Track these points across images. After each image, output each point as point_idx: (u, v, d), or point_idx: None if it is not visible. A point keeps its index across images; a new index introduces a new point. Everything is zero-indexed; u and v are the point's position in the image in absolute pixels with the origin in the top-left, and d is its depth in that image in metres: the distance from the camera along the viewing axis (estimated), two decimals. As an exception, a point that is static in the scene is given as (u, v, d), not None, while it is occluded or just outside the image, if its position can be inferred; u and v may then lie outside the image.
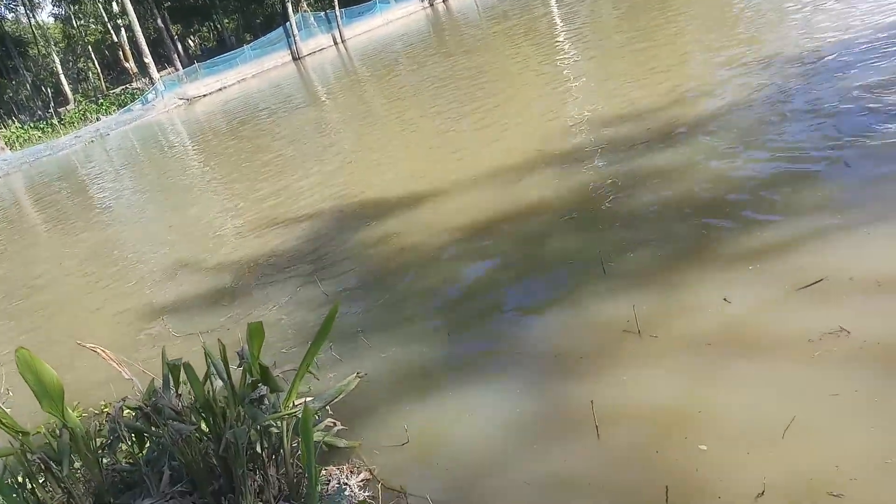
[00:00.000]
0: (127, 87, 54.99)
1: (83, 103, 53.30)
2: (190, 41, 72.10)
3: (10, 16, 63.63)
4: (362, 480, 3.33)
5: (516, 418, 3.45)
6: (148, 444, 3.41)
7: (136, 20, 48.23)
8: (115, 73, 65.12)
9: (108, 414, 4.57)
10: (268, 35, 49.15)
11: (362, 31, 47.65)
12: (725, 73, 7.66)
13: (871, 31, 7.12)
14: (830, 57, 6.88)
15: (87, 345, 3.72)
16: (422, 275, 5.63)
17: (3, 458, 3.21)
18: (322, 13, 50.22)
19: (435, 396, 3.90)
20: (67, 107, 55.38)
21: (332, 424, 3.62)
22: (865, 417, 2.71)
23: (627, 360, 3.55)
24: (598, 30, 14.35)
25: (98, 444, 3.31)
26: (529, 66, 13.06)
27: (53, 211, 17.90)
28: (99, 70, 63.64)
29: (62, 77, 59.58)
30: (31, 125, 49.80)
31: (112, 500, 3.17)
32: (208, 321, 6.18)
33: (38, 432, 3.98)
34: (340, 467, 3.46)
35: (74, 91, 60.38)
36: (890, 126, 4.97)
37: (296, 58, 46.67)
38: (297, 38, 47.34)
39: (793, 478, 2.57)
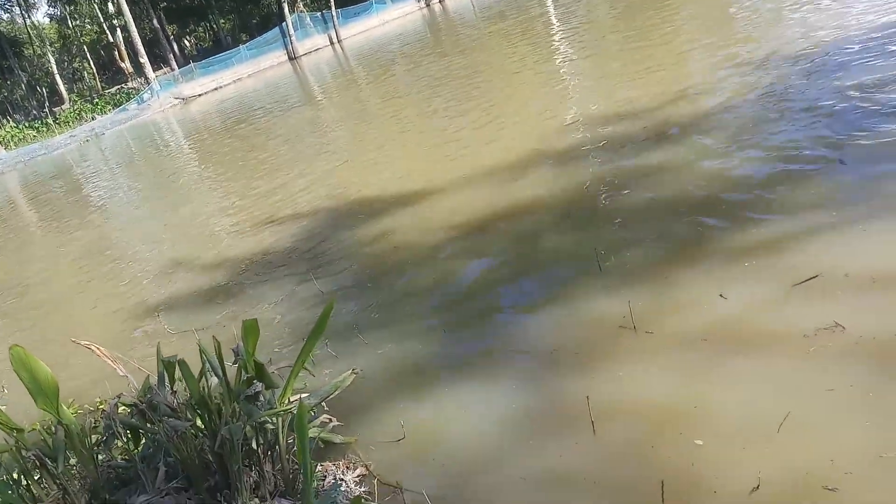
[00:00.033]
0: (122, 87, 54.83)
1: (78, 103, 53.15)
2: (186, 41, 71.93)
3: (5, 16, 63.58)
4: (358, 476, 3.33)
5: (512, 414, 3.45)
6: (143, 441, 3.40)
7: (132, 20, 48.11)
8: (110, 72, 64.94)
9: (103, 411, 4.56)
10: (264, 35, 49.07)
11: (358, 31, 47.60)
12: (721, 72, 7.68)
13: (867, 31, 7.14)
14: (826, 56, 6.90)
15: (82, 342, 3.70)
16: (418, 272, 5.63)
17: (-2, 456, 3.19)
18: (318, 13, 50.15)
19: (431, 393, 3.90)
20: (63, 106, 55.23)
21: (327, 421, 3.62)
22: (860, 412, 2.72)
23: (623, 356, 3.55)
24: (594, 29, 14.36)
25: (93, 440, 3.30)
26: (526, 65, 13.07)
27: (48, 210, 17.85)
28: (94, 70, 63.47)
29: (57, 77, 59.40)
30: (26, 125, 49.64)
31: (107, 497, 3.16)
32: (204, 318, 6.17)
33: (33, 429, 3.96)
34: (336, 463, 3.46)
35: (70, 91, 60.22)
36: (885, 125, 4.98)
37: (292, 58, 46.61)
38: (293, 38, 47.28)
39: (788, 472, 2.57)
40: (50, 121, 48.22)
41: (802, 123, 5.59)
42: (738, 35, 9.19)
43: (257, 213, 9.27)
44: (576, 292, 4.36)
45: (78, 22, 62.82)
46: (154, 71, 49.39)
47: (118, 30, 55.68)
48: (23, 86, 59.28)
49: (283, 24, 47.65)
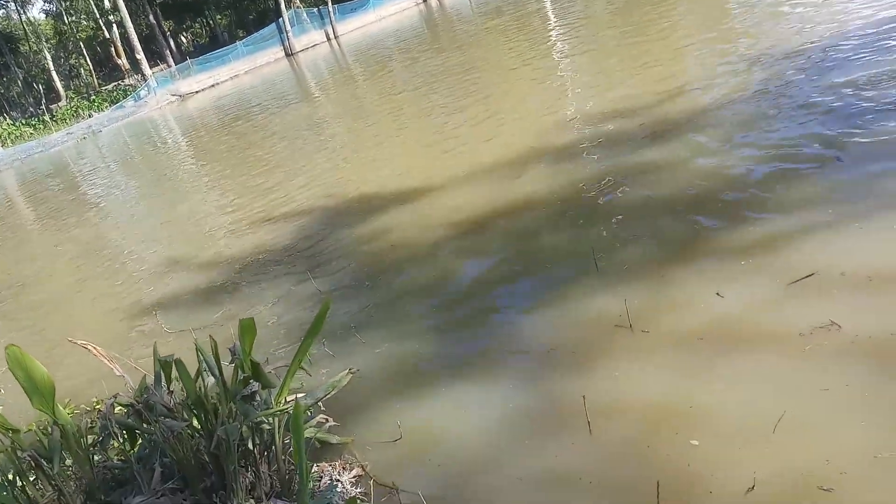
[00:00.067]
0: (119, 84, 54.67)
1: (75, 100, 52.98)
2: (182, 37, 71.67)
3: (0, 12, 63.27)
4: (354, 477, 3.33)
5: (509, 414, 3.45)
6: (139, 441, 3.39)
7: (127, 16, 47.92)
8: (106, 69, 64.75)
9: (99, 411, 4.56)
10: (260, 31, 48.91)
11: (355, 27, 47.45)
12: (719, 68, 7.67)
13: (865, 26, 7.14)
14: (823, 52, 6.89)
15: (79, 341, 3.70)
16: (415, 271, 5.63)
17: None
18: (315, 9, 49.96)
19: (428, 393, 3.89)
20: (59, 103, 55.07)
21: (324, 421, 3.61)
22: (856, 412, 2.72)
23: (619, 355, 3.55)
24: (591, 25, 14.33)
25: (89, 441, 3.30)
26: (524, 61, 13.04)
27: (45, 208, 17.80)
28: (91, 67, 63.25)
29: (54, 74, 59.21)
30: (23, 122, 49.49)
31: (103, 498, 3.16)
32: (200, 318, 6.16)
33: (28, 430, 3.96)
34: (333, 463, 3.45)
35: (66, 88, 60.03)
36: (882, 122, 4.98)
37: (288, 54, 46.48)
38: (289, 34, 47.14)
39: (784, 472, 2.57)
40: (47, 118, 48.07)
41: (799, 120, 5.58)
42: (736, 31, 9.18)
43: (255, 211, 9.25)
44: (573, 291, 4.35)
45: (74, 18, 62.55)
46: (151, 67, 49.25)
47: (114, 26, 55.43)
48: (19, 83, 59.09)
49: (280, 20, 47.49)
